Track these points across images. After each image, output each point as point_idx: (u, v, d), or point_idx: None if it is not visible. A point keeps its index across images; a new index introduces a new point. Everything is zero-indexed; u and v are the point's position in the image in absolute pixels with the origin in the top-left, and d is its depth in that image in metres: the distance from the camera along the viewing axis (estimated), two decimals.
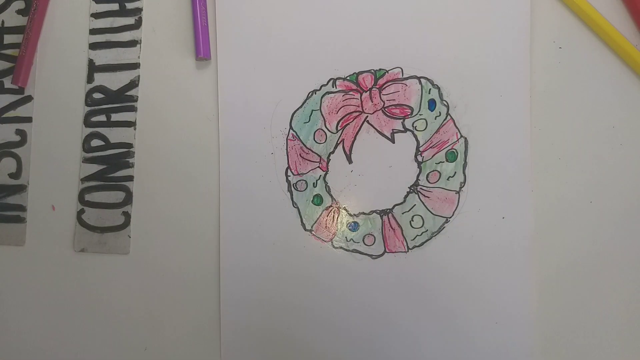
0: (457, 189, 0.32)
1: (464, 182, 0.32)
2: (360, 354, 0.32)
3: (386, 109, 0.33)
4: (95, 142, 0.36)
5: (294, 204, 0.33)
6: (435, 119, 0.33)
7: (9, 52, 0.37)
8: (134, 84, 0.36)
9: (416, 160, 0.33)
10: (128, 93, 0.36)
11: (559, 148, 0.32)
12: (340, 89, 0.34)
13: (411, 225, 0.33)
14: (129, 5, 0.36)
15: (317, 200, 0.33)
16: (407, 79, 0.33)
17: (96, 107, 0.36)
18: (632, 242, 0.32)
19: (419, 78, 0.33)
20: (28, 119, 0.36)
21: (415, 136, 0.33)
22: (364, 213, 0.33)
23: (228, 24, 0.35)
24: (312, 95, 0.34)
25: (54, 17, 0.37)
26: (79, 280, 0.35)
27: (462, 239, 0.32)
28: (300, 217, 0.33)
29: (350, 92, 0.33)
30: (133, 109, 0.36)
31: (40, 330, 0.35)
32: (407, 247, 0.32)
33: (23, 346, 0.35)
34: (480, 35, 0.33)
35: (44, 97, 0.36)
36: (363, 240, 0.33)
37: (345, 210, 0.33)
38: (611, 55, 0.32)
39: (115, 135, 0.36)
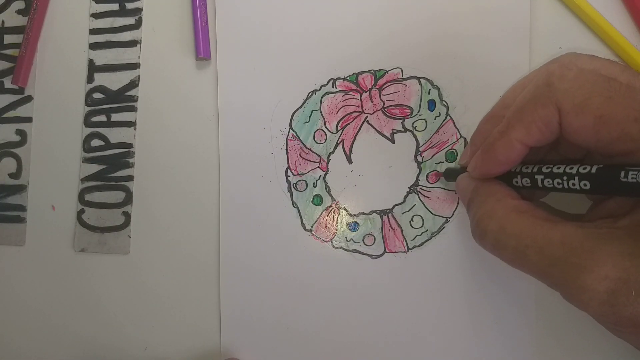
0: None
1: None
2: (360, 354, 0.32)
3: (386, 109, 0.33)
4: (95, 142, 0.36)
5: (294, 204, 0.33)
6: (435, 119, 0.33)
7: (9, 52, 0.37)
8: (134, 84, 0.36)
9: (416, 160, 0.33)
10: (128, 93, 0.36)
11: None
12: (340, 89, 0.34)
13: (411, 225, 0.33)
14: (129, 6, 0.36)
15: (317, 200, 0.33)
16: (407, 79, 0.33)
17: (96, 107, 0.36)
18: None
19: (418, 78, 0.33)
20: (28, 119, 0.37)
21: (415, 136, 0.33)
22: (363, 213, 0.33)
23: (228, 24, 0.35)
24: (312, 95, 0.34)
25: (54, 17, 0.37)
26: (79, 280, 0.35)
27: (462, 239, 0.32)
28: (300, 217, 0.33)
29: (350, 93, 0.33)
30: (133, 109, 0.36)
31: (40, 330, 0.35)
32: (407, 247, 0.32)
33: (23, 346, 0.35)
34: (480, 35, 0.33)
35: (44, 97, 0.36)
36: (363, 240, 0.33)
37: (345, 210, 0.33)
38: (611, 55, 0.32)
39: (115, 135, 0.36)
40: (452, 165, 0.32)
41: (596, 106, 0.21)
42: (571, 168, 0.22)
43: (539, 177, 0.24)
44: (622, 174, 0.20)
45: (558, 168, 0.23)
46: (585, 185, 0.22)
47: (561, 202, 0.29)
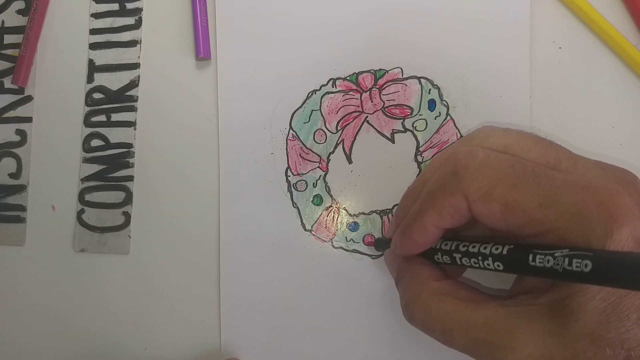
0: None
1: None
2: (360, 354, 0.32)
3: (386, 109, 0.33)
4: (95, 142, 0.36)
5: (294, 204, 0.33)
6: (435, 119, 0.33)
7: (9, 52, 0.37)
8: (134, 84, 0.36)
9: (416, 160, 0.33)
10: (128, 93, 0.36)
11: None
12: (340, 89, 0.34)
13: None
14: (129, 6, 0.36)
15: (317, 200, 0.33)
16: (407, 79, 0.33)
17: (96, 107, 0.36)
18: None
19: (418, 78, 0.33)
20: (28, 119, 0.37)
21: (415, 136, 0.33)
22: (363, 213, 0.33)
23: (228, 24, 0.35)
24: (312, 95, 0.34)
25: (54, 17, 0.37)
26: (79, 280, 0.35)
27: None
28: (300, 217, 0.33)
29: (350, 92, 0.33)
30: (133, 109, 0.36)
31: (40, 330, 0.35)
32: None
33: (23, 346, 0.35)
34: (480, 35, 0.33)
35: (44, 97, 0.36)
36: (363, 240, 0.33)
37: (345, 210, 0.33)
38: (611, 55, 0.32)
39: (115, 135, 0.36)
40: None
41: (501, 195, 0.22)
42: (485, 248, 0.23)
43: (457, 256, 0.24)
44: (530, 257, 0.21)
45: (473, 247, 0.23)
46: (498, 266, 0.22)
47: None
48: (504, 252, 0.22)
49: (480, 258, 0.23)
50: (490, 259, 0.23)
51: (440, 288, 0.25)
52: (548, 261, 0.20)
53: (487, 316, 0.23)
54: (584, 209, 0.21)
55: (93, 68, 0.36)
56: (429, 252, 0.26)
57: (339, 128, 0.33)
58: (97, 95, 0.36)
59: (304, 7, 0.34)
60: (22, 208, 0.36)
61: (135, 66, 0.36)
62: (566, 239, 0.21)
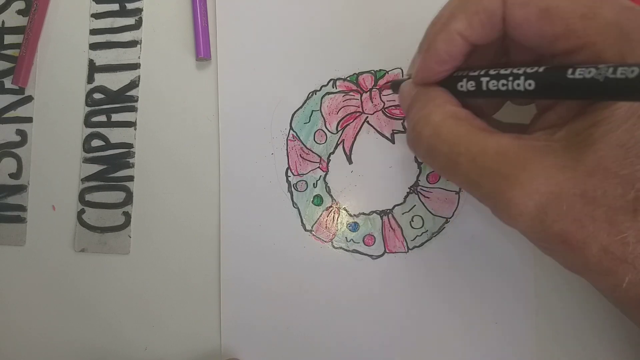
0: (457, 190, 0.32)
1: None
2: (360, 354, 0.32)
3: (386, 110, 0.33)
4: (96, 142, 0.36)
5: (294, 204, 0.33)
6: None
7: (9, 52, 0.37)
8: (134, 84, 0.36)
9: (416, 160, 0.33)
10: (128, 93, 0.36)
11: None
12: (341, 89, 0.34)
13: (411, 226, 0.33)
14: (129, 6, 0.36)
15: (317, 200, 0.33)
16: (407, 79, 0.33)
17: (96, 107, 0.36)
18: None
19: None
20: (28, 119, 0.37)
21: None
22: (364, 213, 0.33)
23: (228, 24, 0.35)
24: (312, 95, 0.34)
25: (54, 18, 0.37)
26: (79, 280, 0.35)
27: (462, 239, 0.32)
28: (301, 217, 0.33)
29: (351, 93, 0.33)
30: (133, 109, 0.36)
31: (41, 330, 0.35)
32: (407, 247, 0.33)
33: (23, 346, 0.35)
34: None
35: (44, 98, 0.37)
36: (363, 241, 0.33)
37: (345, 210, 0.33)
38: None
39: (115, 135, 0.36)
40: None
41: None
42: (519, 69, 0.21)
43: (484, 80, 0.22)
44: (570, 71, 0.19)
45: (505, 70, 0.22)
46: (530, 85, 0.20)
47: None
48: (540, 70, 0.20)
49: (511, 79, 0.21)
50: (522, 78, 0.21)
51: (456, 112, 0.23)
52: (590, 72, 0.18)
53: (499, 145, 0.21)
54: (627, 27, 0.19)
55: (93, 68, 0.36)
56: (452, 81, 0.24)
57: (339, 128, 0.34)
58: (98, 96, 0.36)
59: (304, 7, 0.34)
60: (23, 208, 0.36)
61: (135, 66, 0.36)
62: (602, 56, 0.19)
